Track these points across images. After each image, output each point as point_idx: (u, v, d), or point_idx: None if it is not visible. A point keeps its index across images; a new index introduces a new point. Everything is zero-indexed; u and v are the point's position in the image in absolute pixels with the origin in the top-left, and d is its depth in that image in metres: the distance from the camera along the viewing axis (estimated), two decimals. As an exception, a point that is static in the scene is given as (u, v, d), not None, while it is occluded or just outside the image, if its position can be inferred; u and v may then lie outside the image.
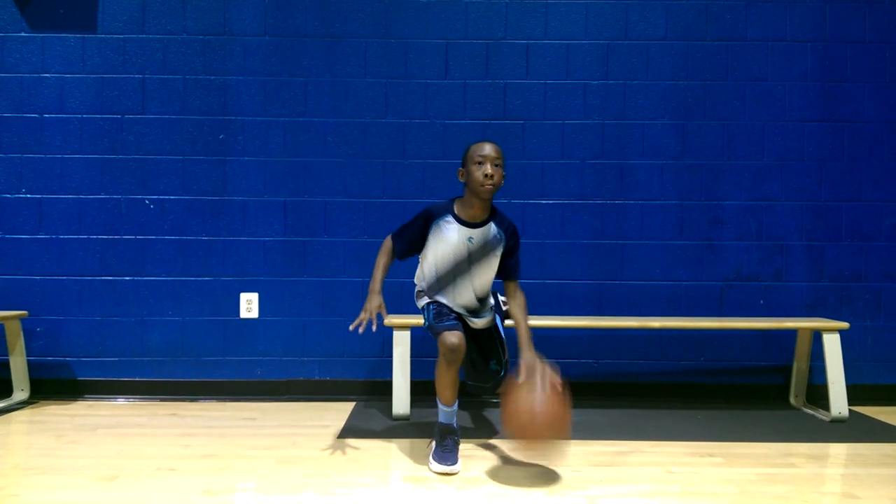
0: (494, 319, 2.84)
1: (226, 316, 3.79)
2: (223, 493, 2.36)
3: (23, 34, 3.74)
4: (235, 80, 3.78)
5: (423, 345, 3.63)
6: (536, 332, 3.76)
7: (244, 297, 3.78)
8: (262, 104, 3.78)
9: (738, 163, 3.83)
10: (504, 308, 2.94)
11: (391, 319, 3.37)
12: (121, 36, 3.76)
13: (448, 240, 2.67)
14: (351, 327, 2.59)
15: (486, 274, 2.71)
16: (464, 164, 2.66)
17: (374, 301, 2.63)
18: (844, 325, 3.49)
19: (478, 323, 2.78)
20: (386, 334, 3.57)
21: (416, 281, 2.84)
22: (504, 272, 2.74)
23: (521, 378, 2.41)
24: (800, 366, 3.71)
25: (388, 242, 2.76)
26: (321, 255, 3.80)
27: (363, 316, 2.60)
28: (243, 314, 3.79)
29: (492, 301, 2.84)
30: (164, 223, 3.77)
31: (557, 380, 2.39)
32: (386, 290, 3.67)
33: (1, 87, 3.74)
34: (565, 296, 3.81)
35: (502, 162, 2.63)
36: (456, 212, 2.68)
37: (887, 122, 3.83)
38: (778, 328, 3.67)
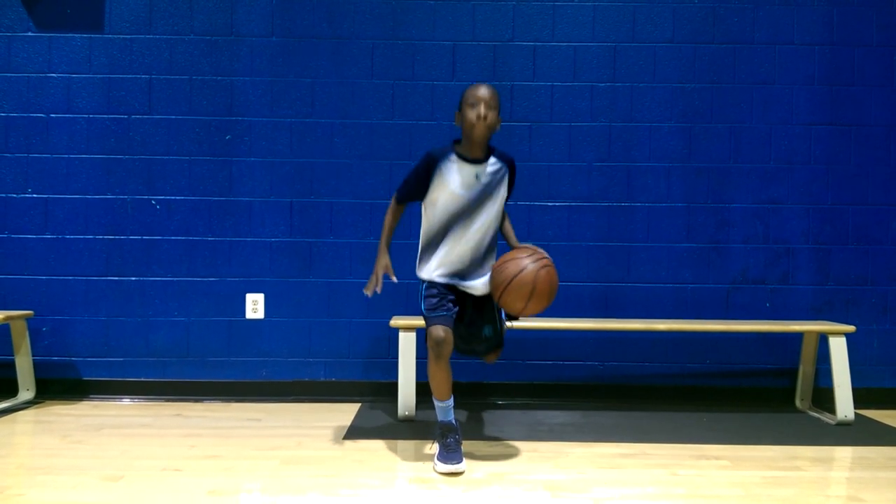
0: None
1: (231, 316, 3.79)
2: (228, 493, 2.36)
3: (30, 34, 3.75)
4: (242, 80, 3.78)
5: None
6: (542, 334, 3.79)
7: (250, 297, 3.78)
8: (269, 105, 3.79)
9: (745, 166, 3.82)
10: None
11: (396, 321, 3.38)
12: (128, 36, 3.77)
13: (455, 181, 2.67)
14: (365, 291, 2.72)
15: (492, 210, 2.71)
16: (459, 108, 2.67)
17: (381, 261, 2.76)
18: (850, 328, 3.48)
19: (477, 287, 2.73)
20: (391, 336, 3.57)
21: (420, 240, 2.80)
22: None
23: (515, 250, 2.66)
24: (806, 369, 3.70)
25: (392, 203, 2.85)
26: (327, 257, 3.80)
27: (372, 279, 2.73)
28: (249, 315, 3.79)
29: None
30: (170, 224, 3.78)
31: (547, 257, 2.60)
32: (392, 292, 3.67)
33: (8, 87, 3.75)
34: (571, 298, 3.80)
35: (497, 105, 2.65)
36: (459, 151, 2.70)
37: (894, 125, 3.82)
38: (784, 331, 3.67)
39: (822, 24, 3.82)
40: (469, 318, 2.79)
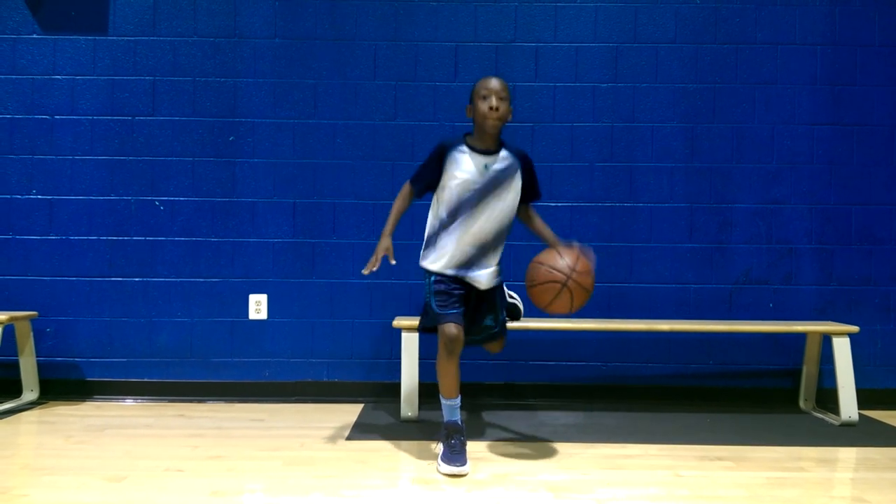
0: (501, 285, 2.87)
1: (234, 317, 3.80)
2: (231, 494, 2.37)
3: (34, 36, 3.77)
4: (245, 82, 3.79)
5: (432, 347, 3.61)
6: (545, 335, 3.79)
7: (253, 298, 3.79)
8: (272, 106, 3.79)
9: (748, 166, 3.82)
10: (511, 301, 2.95)
11: (399, 321, 3.38)
12: (132, 38, 3.78)
13: (465, 169, 2.69)
14: (364, 271, 2.71)
15: (502, 204, 2.72)
16: (471, 100, 2.71)
17: (383, 243, 2.75)
18: (854, 328, 3.47)
19: (482, 280, 2.74)
20: (394, 336, 3.57)
21: (427, 227, 2.82)
22: (527, 194, 2.81)
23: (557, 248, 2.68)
24: (809, 369, 3.69)
25: (405, 187, 2.85)
26: (330, 257, 3.80)
27: (372, 258, 2.73)
28: (252, 315, 3.80)
29: (498, 271, 2.82)
30: (174, 224, 3.79)
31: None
32: (393, 292, 3.68)
33: (12, 89, 3.76)
34: (574, 298, 3.79)
35: (508, 96, 2.68)
36: (469, 142, 2.73)
37: (897, 125, 3.82)
38: (787, 331, 3.66)
39: (824, 24, 3.81)
40: (471, 308, 2.80)
